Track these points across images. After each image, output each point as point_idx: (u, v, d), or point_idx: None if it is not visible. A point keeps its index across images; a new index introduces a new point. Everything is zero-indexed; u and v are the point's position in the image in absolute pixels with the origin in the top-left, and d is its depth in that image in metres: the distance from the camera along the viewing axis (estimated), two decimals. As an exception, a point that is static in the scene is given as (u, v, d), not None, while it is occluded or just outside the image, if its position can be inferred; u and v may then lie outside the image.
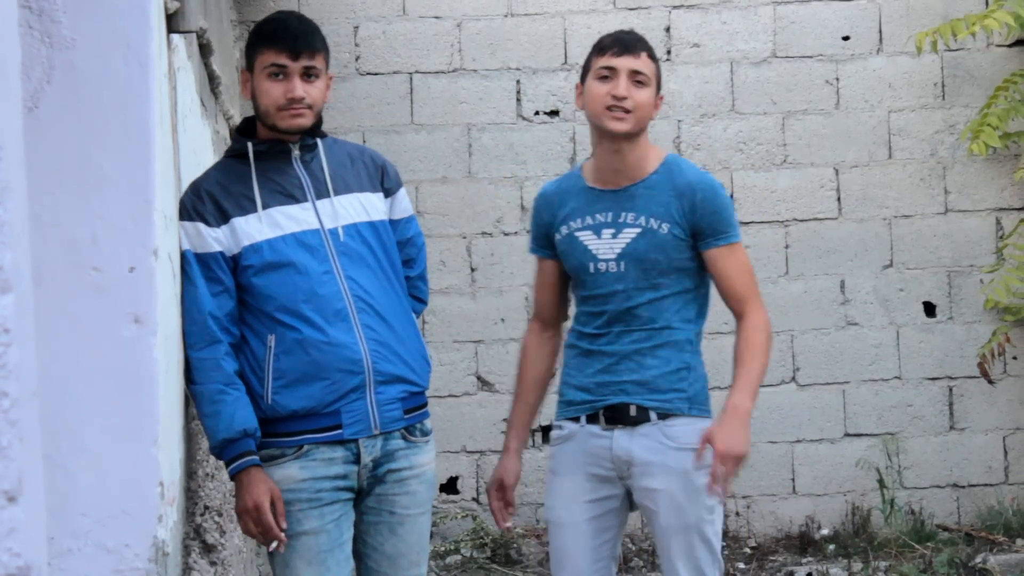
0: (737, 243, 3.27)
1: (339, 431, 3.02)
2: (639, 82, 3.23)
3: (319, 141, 3.13)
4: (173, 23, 2.99)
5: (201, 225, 2.97)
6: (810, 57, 6.19)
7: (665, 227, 3.22)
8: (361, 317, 3.03)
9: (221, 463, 3.15)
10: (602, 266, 3.25)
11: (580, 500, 3.27)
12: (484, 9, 6.17)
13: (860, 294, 6.16)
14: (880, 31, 6.19)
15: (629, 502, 3.31)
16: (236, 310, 3.00)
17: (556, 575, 3.33)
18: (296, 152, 3.08)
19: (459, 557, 5.85)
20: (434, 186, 6.14)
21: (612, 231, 3.26)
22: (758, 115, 6.18)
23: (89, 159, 2.49)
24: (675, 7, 6.19)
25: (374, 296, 3.06)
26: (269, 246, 3.00)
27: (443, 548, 5.88)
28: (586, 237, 3.28)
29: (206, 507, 3.07)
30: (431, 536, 5.96)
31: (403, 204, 3.23)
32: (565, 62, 6.17)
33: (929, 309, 6.17)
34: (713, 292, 3.35)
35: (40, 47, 2.46)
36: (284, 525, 2.96)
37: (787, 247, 6.17)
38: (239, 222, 2.99)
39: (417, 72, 6.16)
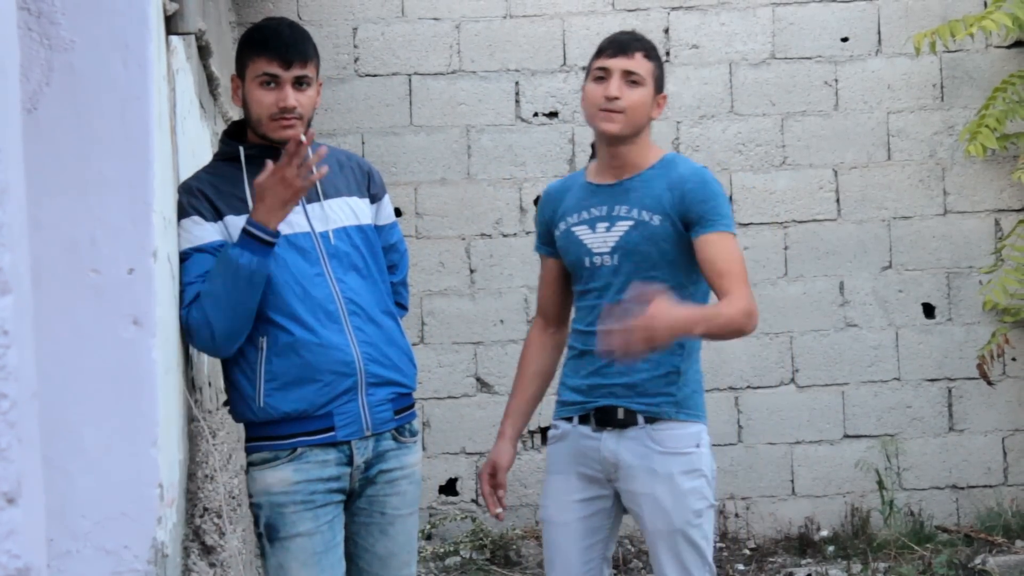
0: (728, 232, 3.21)
1: (332, 433, 3.03)
2: (633, 82, 3.24)
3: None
4: (172, 25, 2.99)
5: (199, 218, 2.98)
6: (809, 58, 6.19)
7: (657, 219, 3.22)
8: (352, 319, 3.04)
9: (220, 464, 3.15)
10: (597, 260, 3.27)
11: (572, 499, 3.30)
12: (483, 11, 6.17)
13: (859, 295, 6.17)
14: (879, 32, 6.19)
15: (621, 505, 3.33)
16: None
17: (547, 573, 3.37)
18: None
19: (458, 559, 5.84)
20: (433, 187, 6.14)
21: (606, 224, 3.28)
22: (757, 116, 6.18)
23: (88, 161, 2.49)
24: (674, 8, 6.19)
25: (364, 299, 3.08)
26: (264, 246, 3.00)
27: (442, 550, 5.88)
28: (582, 231, 3.30)
29: (205, 509, 3.07)
30: (430, 538, 5.99)
31: (387, 210, 3.25)
32: (564, 63, 6.17)
33: (928, 310, 6.17)
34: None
35: (39, 49, 2.46)
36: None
37: (786, 248, 6.17)
38: (232, 220, 3.00)
39: (416, 74, 6.16)
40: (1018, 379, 6.14)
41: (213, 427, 3.12)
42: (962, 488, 6.16)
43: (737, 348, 6.13)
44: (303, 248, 3.04)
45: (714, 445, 6.15)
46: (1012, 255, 5.99)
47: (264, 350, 2.99)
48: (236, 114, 4.87)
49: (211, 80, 4.34)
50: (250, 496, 3.10)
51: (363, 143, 6.13)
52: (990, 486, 6.14)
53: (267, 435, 3.02)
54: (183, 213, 2.99)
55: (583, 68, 6.14)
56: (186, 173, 3.18)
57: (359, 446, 3.06)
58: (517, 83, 6.17)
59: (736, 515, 6.14)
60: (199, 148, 3.72)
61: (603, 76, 3.25)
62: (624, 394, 3.24)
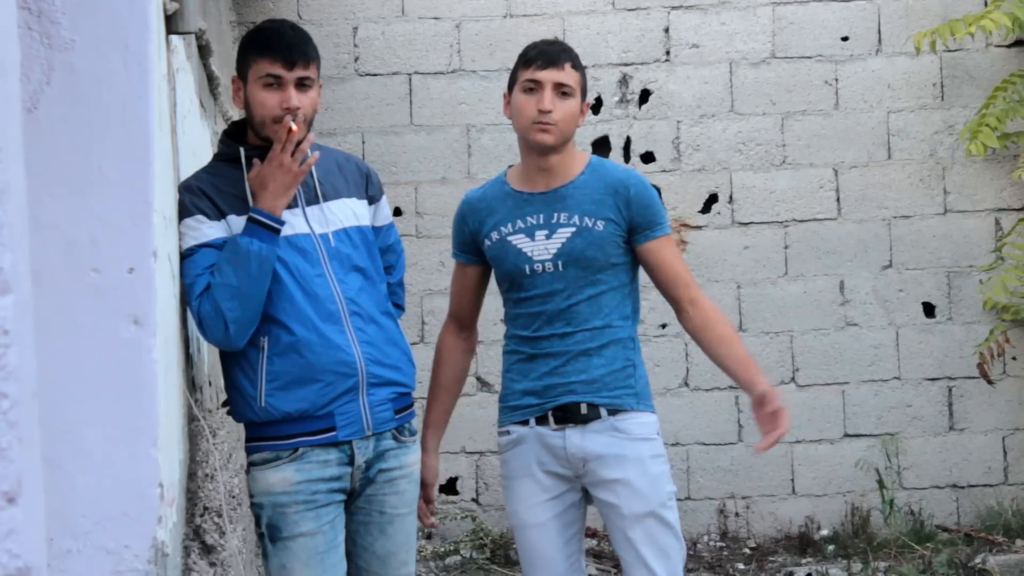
0: (668, 235, 3.37)
1: (333, 433, 3.04)
2: (564, 93, 3.29)
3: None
4: (172, 24, 2.99)
5: (202, 217, 2.98)
6: (809, 58, 6.19)
7: (600, 224, 3.29)
8: (353, 320, 3.05)
9: (221, 464, 3.15)
10: (538, 267, 3.32)
11: (541, 500, 3.34)
12: (483, 10, 6.17)
13: (859, 295, 6.17)
14: (879, 32, 6.19)
15: (587, 497, 3.38)
16: None
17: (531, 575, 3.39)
18: None
19: (459, 558, 5.85)
20: (433, 187, 6.14)
21: (546, 232, 3.32)
22: (757, 116, 6.18)
23: (88, 160, 2.49)
24: (674, 8, 6.19)
25: (364, 299, 3.09)
26: (265, 246, 3.00)
27: (443, 549, 5.88)
28: (519, 240, 3.34)
29: (206, 508, 3.07)
30: (430, 537, 5.99)
31: (385, 211, 3.27)
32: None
33: (928, 310, 6.17)
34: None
35: (39, 48, 2.46)
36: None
37: (786, 248, 6.17)
38: (234, 220, 3.00)
39: (416, 73, 6.16)
40: (1018, 378, 6.14)
41: (213, 426, 3.13)
42: (962, 487, 6.16)
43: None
44: (304, 249, 3.04)
45: (714, 444, 6.19)
46: (1013, 253, 5.99)
47: (265, 350, 3.00)
48: (236, 114, 4.87)
49: (211, 79, 4.34)
50: (251, 496, 3.10)
51: (363, 142, 6.13)
52: (990, 485, 6.14)
53: (268, 435, 3.02)
54: (186, 212, 2.98)
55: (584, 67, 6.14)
56: (186, 172, 3.18)
57: (360, 446, 3.07)
58: (517, 82, 6.16)
59: (736, 514, 6.15)
60: (199, 147, 3.72)
61: (533, 88, 3.28)
62: (584, 390, 3.30)
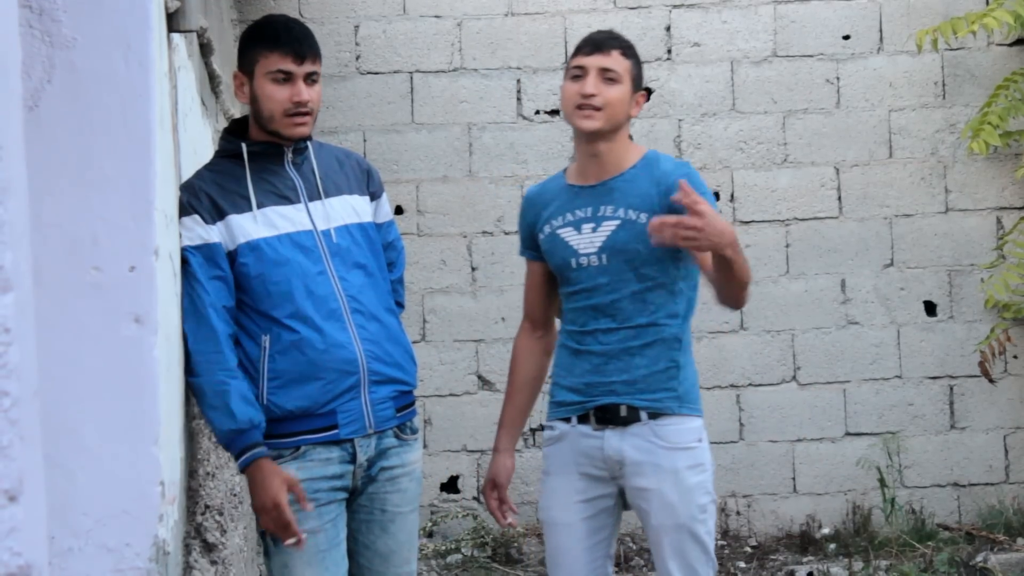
0: None
1: (335, 431, 3.03)
2: (610, 79, 3.24)
3: (308, 144, 3.14)
4: (173, 22, 2.99)
5: (199, 218, 2.98)
6: (811, 56, 6.19)
7: (644, 217, 3.21)
8: (354, 317, 3.05)
9: (222, 462, 3.16)
10: (583, 260, 3.26)
11: (574, 500, 3.28)
12: (484, 8, 6.17)
13: (861, 293, 6.16)
14: (880, 30, 6.19)
15: (623, 501, 3.32)
16: (234, 304, 3.00)
17: (553, 574, 3.34)
18: (289, 154, 3.09)
19: (460, 556, 5.85)
20: (435, 185, 6.14)
21: (592, 225, 3.27)
22: (759, 114, 6.18)
23: (90, 158, 2.49)
24: (675, 6, 6.19)
25: (365, 296, 3.09)
26: (267, 244, 3.01)
27: (444, 547, 5.88)
28: (567, 233, 3.29)
29: (207, 506, 3.08)
30: (432, 535, 5.99)
31: (385, 208, 3.26)
32: (566, 61, 6.16)
33: (930, 308, 6.17)
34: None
35: (40, 46, 2.46)
36: (309, 508, 2.96)
37: (788, 246, 6.17)
38: (235, 219, 3.00)
39: (418, 71, 6.16)
40: (1019, 377, 6.14)
41: (214, 425, 3.12)
42: (963, 486, 6.16)
43: (738, 346, 6.13)
44: (306, 246, 3.04)
45: (715, 443, 6.18)
46: (1014, 251, 5.99)
47: (267, 349, 3.00)
48: (238, 111, 4.87)
49: (212, 78, 4.34)
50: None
51: (364, 140, 6.12)
52: (991, 484, 6.14)
53: (270, 433, 3.02)
54: (185, 213, 2.99)
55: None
56: (188, 171, 3.18)
57: (362, 444, 3.06)
58: (519, 81, 6.17)
59: (737, 513, 6.15)
60: (200, 146, 3.72)
61: (580, 74, 3.25)
62: (625, 391, 3.23)
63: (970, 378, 6.13)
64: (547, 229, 3.34)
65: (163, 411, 2.58)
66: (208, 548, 3.04)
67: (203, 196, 3.00)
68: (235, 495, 3.27)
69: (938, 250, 6.17)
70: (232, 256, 3.00)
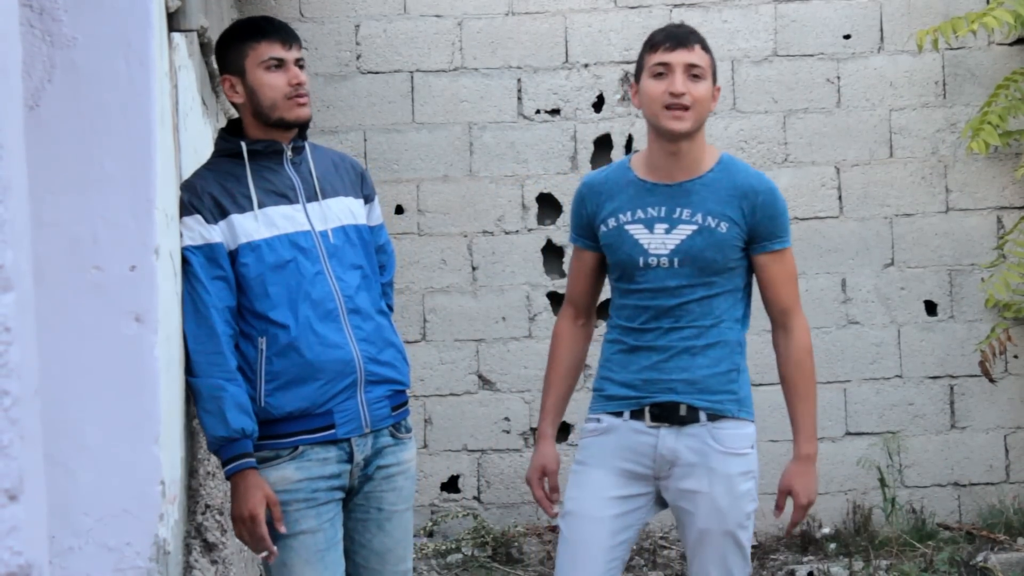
0: (788, 249, 3.26)
1: (332, 431, 3.05)
2: (695, 76, 3.15)
3: (306, 144, 3.17)
4: (174, 21, 3.00)
5: (201, 218, 2.99)
6: (811, 56, 6.19)
7: (724, 226, 3.16)
8: (351, 318, 3.07)
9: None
10: (653, 261, 3.19)
11: (608, 495, 3.21)
12: (485, 7, 6.17)
13: (861, 293, 6.16)
14: (881, 29, 6.19)
15: (656, 506, 3.27)
16: (235, 305, 3.01)
17: (566, 568, 3.23)
18: (288, 153, 3.11)
19: (460, 556, 5.84)
20: (435, 184, 6.14)
21: (666, 226, 3.19)
22: (759, 114, 6.18)
23: (90, 157, 2.49)
24: (676, 5, 6.19)
25: (361, 297, 3.11)
26: (267, 245, 3.02)
27: (444, 547, 5.88)
28: (637, 231, 3.21)
29: (207, 506, 3.08)
30: (432, 535, 5.98)
31: (377, 212, 3.30)
32: (566, 61, 6.17)
33: (930, 308, 6.17)
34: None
35: (41, 46, 2.46)
36: (283, 529, 2.96)
37: (788, 246, 6.17)
38: (236, 219, 3.01)
39: (418, 71, 6.16)
40: (1020, 376, 6.14)
41: (215, 424, 3.12)
42: (964, 485, 6.16)
43: (739, 345, 6.13)
44: (304, 247, 3.05)
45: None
46: (1014, 251, 5.99)
47: (264, 350, 3.01)
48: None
49: (213, 77, 4.34)
50: (252, 494, 3.10)
51: (365, 140, 6.13)
52: (992, 483, 6.14)
53: (268, 434, 3.02)
54: (187, 212, 2.99)
55: (585, 65, 6.14)
56: (188, 170, 3.18)
57: (359, 443, 3.08)
58: (519, 80, 6.17)
59: (738, 512, 6.14)
60: (201, 145, 3.72)
61: (663, 72, 3.14)
62: (685, 390, 3.18)
63: (970, 378, 6.13)
64: (611, 222, 3.25)
65: (164, 410, 2.58)
66: (208, 548, 3.04)
67: (205, 196, 3.01)
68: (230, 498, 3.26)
69: (938, 250, 6.17)
70: (233, 256, 3.01)
